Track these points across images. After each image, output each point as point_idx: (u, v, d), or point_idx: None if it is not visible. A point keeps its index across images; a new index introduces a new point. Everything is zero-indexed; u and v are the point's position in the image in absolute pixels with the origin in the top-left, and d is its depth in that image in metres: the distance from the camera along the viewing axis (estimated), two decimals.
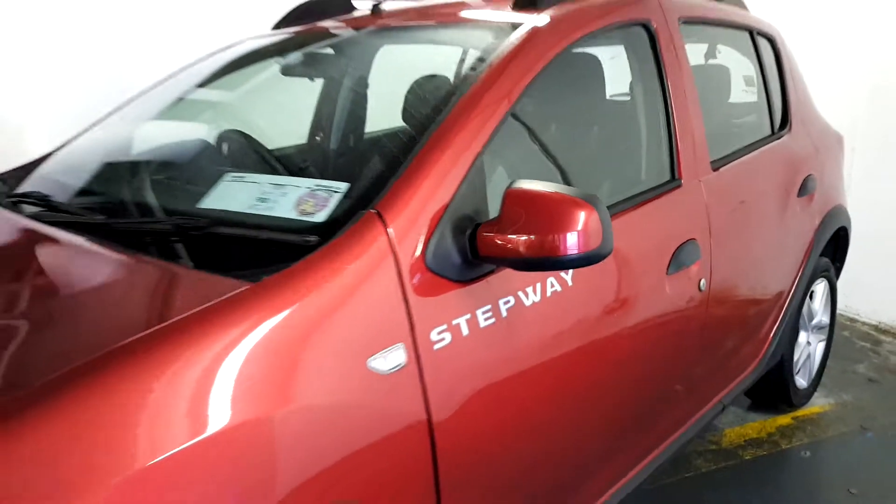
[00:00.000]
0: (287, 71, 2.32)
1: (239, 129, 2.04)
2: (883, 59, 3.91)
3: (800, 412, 3.24)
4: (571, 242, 1.32)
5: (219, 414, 1.06)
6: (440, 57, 2.20)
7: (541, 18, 1.80)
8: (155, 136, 2.15)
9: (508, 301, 1.49)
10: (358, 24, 2.28)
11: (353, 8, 2.48)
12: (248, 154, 1.97)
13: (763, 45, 2.84)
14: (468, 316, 1.41)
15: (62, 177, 1.95)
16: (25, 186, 1.90)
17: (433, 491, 1.38)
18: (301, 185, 1.50)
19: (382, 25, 2.21)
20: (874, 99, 3.97)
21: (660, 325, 1.98)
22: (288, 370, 1.16)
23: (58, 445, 0.95)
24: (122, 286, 1.37)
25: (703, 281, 2.13)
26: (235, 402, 1.08)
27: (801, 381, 3.19)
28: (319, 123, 2.65)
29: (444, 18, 2.15)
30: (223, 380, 1.09)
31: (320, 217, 1.39)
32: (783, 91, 2.91)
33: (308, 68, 2.38)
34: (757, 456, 2.91)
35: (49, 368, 1.04)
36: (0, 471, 0.91)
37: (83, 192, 1.83)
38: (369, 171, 1.52)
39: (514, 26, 1.78)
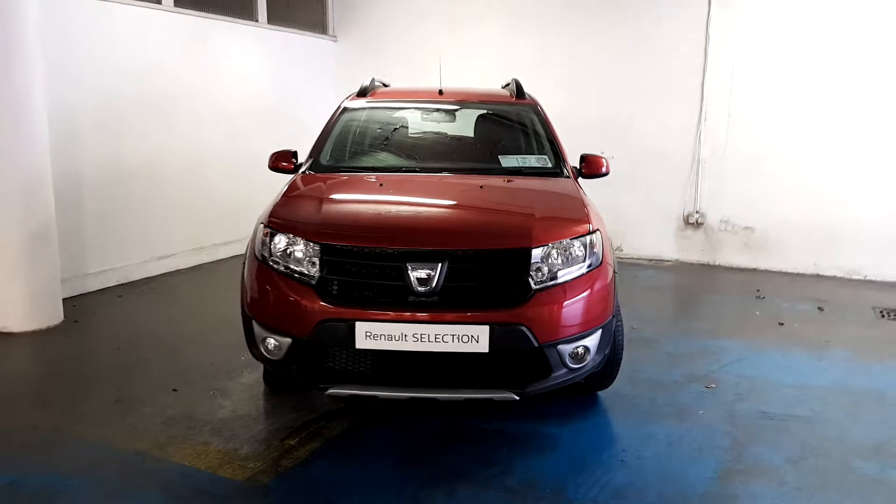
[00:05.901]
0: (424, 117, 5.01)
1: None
2: None
3: None
4: (604, 169, 4.69)
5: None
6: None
7: (525, 102, 5.05)
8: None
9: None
10: (434, 97, 5.08)
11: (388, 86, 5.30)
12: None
13: None
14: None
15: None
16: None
17: None
18: (532, 157, 4.52)
19: (449, 99, 5.08)
20: None
21: None
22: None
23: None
24: (537, 183, 4.20)
25: None
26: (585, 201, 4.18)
27: None
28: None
29: (484, 98, 5.20)
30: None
31: (549, 165, 4.49)
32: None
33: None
34: None
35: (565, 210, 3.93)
36: None
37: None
38: (540, 152, 4.59)
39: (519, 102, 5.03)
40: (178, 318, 5.71)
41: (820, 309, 6.12)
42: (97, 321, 5.52)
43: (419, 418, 3.83)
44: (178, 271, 7.06)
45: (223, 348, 4.84)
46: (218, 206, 7.54)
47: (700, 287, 7.15)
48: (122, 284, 6.42)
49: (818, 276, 7.31)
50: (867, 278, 7.14)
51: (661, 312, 6.06)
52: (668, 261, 8.00)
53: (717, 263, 7.81)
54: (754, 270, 7.57)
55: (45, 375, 4.56)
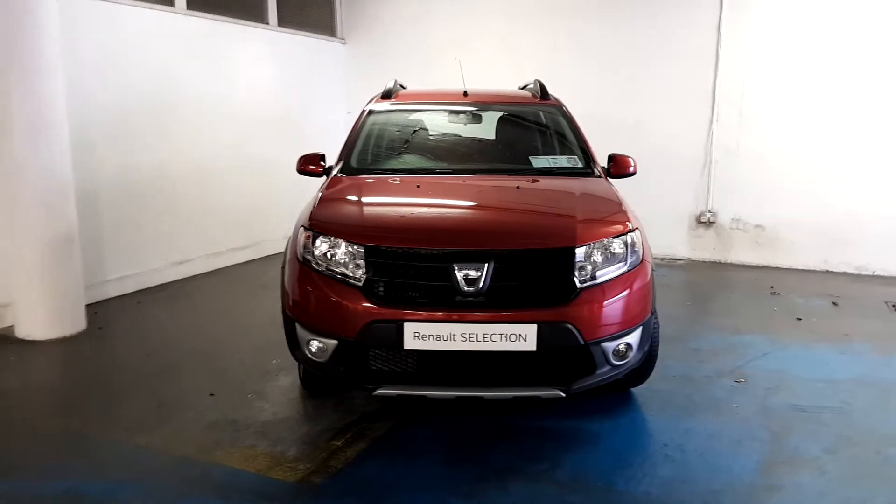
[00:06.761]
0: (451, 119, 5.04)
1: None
2: None
3: None
4: (632, 169, 4.74)
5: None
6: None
7: (550, 103, 5.11)
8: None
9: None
10: (459, 99, 5.12)
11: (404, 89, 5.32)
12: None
13: None
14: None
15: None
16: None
17: None
18: (562, 157, 4.58)
19: (472, 100, 5.11)
20: None
21: None
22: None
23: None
24: (573, 183, 4.22)
25: None
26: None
27: None
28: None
29: (509, 100, 5.24)
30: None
31: (580, 165, 4.54)
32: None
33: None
34: None
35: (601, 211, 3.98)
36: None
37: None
38: (569, 152, 4.65)
39: (544, 103, 5.08)
40: (200, 323, 5.73)
41: (835, 304, 6.20)
42: (121, 327, 5.52)
43: (459, 418, 3.86)
44: (194, 277, 7.07)
45: (251, 352, 4.86)
46: (232, 211, 7.56)
47: (714, 285, 7.21)
48: (139, 291, 6.43)
49: (828, 272, 7.41)
50: (876, 274, 7.24)
51: (680, 310, 6.12)
52: (680, 259, 8.08)
53: (729, 261, 7.89)
54: (765, 268, 7.65)
55: (79, 383, 4.55)
